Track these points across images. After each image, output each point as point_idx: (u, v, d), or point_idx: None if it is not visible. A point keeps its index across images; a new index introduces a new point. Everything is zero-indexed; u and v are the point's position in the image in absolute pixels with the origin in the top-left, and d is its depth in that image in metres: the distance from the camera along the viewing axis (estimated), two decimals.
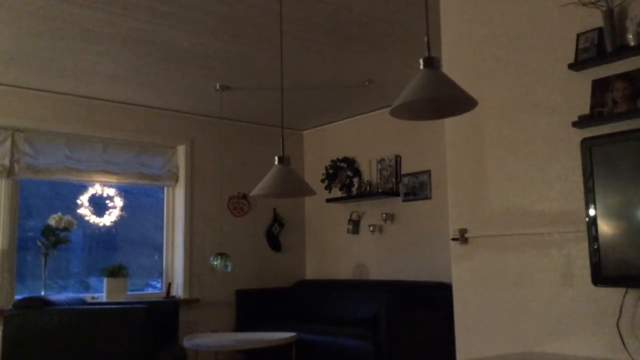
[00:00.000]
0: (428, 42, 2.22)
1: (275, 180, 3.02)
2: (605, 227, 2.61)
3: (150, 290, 6.00)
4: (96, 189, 5.65)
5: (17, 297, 4.84)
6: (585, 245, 2.72)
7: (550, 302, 2.94)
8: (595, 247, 2.63)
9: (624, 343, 2.59)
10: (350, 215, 6.22)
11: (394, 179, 5.82)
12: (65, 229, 5.05)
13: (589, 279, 2.66)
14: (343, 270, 6.32)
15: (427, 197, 5.51)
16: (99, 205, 5.67)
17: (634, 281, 2.53)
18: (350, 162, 6.28)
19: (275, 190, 2.99)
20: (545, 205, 3.00)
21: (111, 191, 5.73)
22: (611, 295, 2.66)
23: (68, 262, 5.64)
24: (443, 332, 3.90)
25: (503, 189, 3.21)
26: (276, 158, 3.15)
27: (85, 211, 5.56)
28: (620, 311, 2.62)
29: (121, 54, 4.43)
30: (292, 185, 3.03)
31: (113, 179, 5.73)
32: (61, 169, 5.42)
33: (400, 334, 4.77)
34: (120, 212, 5.75)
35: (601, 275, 2.60)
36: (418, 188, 5.60)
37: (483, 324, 3.24)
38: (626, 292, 2.62)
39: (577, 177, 2.77)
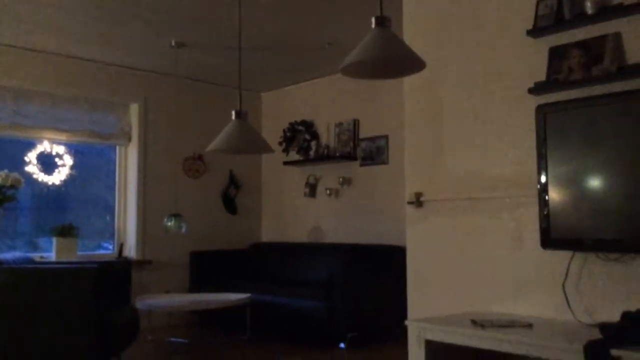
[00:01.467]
0: (381, 1, 2.20)
1: (233, 135, 2.96)
2: (555, 193, 2.68)
3: (102, 252, 5.90)
4: (45, 147, 5.46)
5: None
6: (535, 210, 2.79)
7: (501, 265, 3.02)
8: (545, 212, 2.70)
9: (569, 304, 2.69)
10: (307, 178, 6.22)
11: (351, 143, 5.83)
12: (12, 186, 4.87)
13: (538, 243, 2.74)
14: (299, 233, 6.34)
15: (384, 162, 5.54)
16: (47, 163, 5.48)
17: (580, 245, 2.62)
18: (308, 126, 6.25)
19: (232, 146, 2.93)
20: (499, 171, 3.06)
21: (60, 149, 5.54)
22: (558, 258, 2.75)
23: (16, 221, 5.47)
24: (396, 294, 3.98)
25: (459, 154, 3.24)
26: (233, 112, 3.08)
27: (33, 169, 5.38)
28: (567, 274, 2.72)
29: (71, 6, 4.23)
30: (249, 141, 2.98)
31: (62, 137, 5.54)
32: (7, 124, 5.21)
33: (353, 295, 4.84)
34: (70, 171, 5.58)
35: (550, 239, 2.68)
36: (375, 152, 5.62)
37: (435, 285, 3.31)
38: (573, 255, 2.71)
39: (531, 143, 2.82)
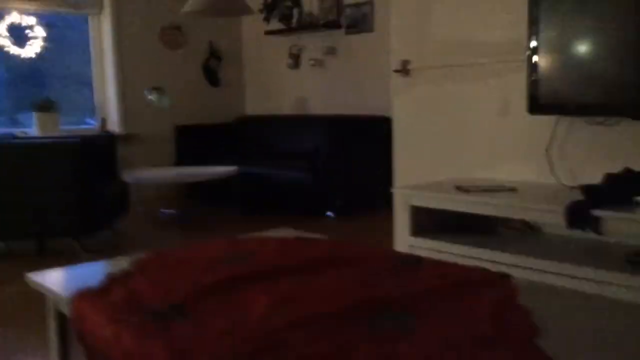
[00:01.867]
0: None
1: None
2: (543, 58, 2.64)
3: (85, 127, 5.82)
4: (14, 17, 5.18)
5: None
6: (523, 76, 2.75)
7: (487, 131, 3.03)
8: (534, 77, 2.67)
9: (552, 168, 2.75)
10: (290, 48, 6.04)
11: (335, 10, 5.59)
12: None
13: (524, 109, 2.73)
14: (284, 105, 6.27)
15: (370, 30, 5.36)
16: (19, 35, 5.23)
17: (566, 109, 2.62)
18: None
19: (209, 5, 2.77)
20: (488, 36, 2.97)
21: (31, 20, 5.27)
22: (544, 124, 2.76)
23: None
24: (382, 163, 4.02)
25: (447, 19, 3.13)
26: None
27: (4, 41, 5.14)
28: (551, 138, 2.74)
29: None
30: (227, 0, 2.81)
31: (32, 6, 5.24)
32: None
33: (339, 165, 4.91)
34: (44, 44, 5.34)
35: (537, 104, 2.67)
36: (360, 20, 5.42)
37: (421, 154, 3.34)
38: (557, 120, 2.72)
39: (522, 8, 2.72)
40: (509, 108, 2.93)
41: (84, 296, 1.54)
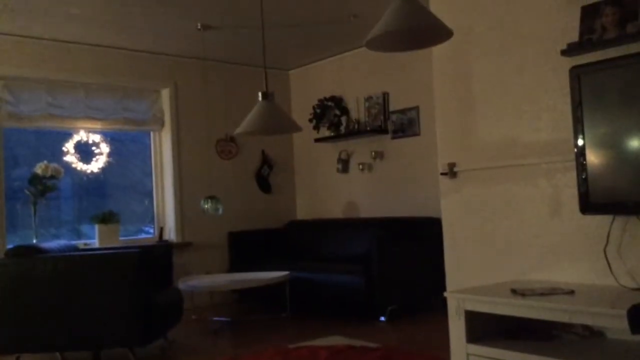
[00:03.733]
0: None
1: (260, 117, 2.97)
2: (593, 156, 2.62)
3: (143, 236, 6.03)
4: (81, 136, 5.58)
5: (9, 246, 4.84)
6: (573, 174, 2.74)
7: (539, 232, 2.98)
8: (584, 176, 2.64)
9: (611, 269, 2.65)
10: (339, 154, 6.21)
11: (382, 117, 5.78)
12: (53, 177, 5.01)
13: (576, 208, 2.69)
14: (333, 209, 6.36)
15: (416, 134, 5.49)
16: (85, 152, 5.61)
17: (620, 208, 2.56)
18: (337, 101, 6.22)
19: (259, 127, 2.94)
20: (533, 136, 3.00)
21: (97, 137, 5.65)
22: (598, 223, 2.70)
23: (58, 210, 5.63)
24: (433, 266, 3.97)
25: (491, 121, 3.19)
26: (259, 94, 3.08)
27: (71, 159, 5.51)
28: (608, 238, 2.67)
29: None
30: (277, 121, 2.98)
31: (97, 125, 5.64)
32: (44, 115, 5.33)
33: (390, 268, 4.85)
34: (108, 159, 5.70)
35: (589, 203, 2.62)
36: (407, 125, 5.57)
37: (472, 255, 3.29)
38: (613, 219, 2.65)
39: (566, 107, 2.76)
40: (561, 208, 2.89)
41: None
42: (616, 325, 2.17)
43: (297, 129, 3.15)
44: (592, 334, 2.63)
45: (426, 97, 5.22)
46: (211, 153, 6.20)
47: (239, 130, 3.02)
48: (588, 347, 2.49)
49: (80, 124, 5.55)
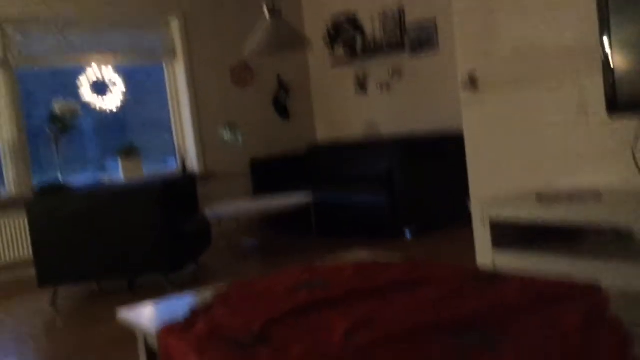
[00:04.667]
0: None
1: (267, 34, 2.84)
2: (620, 57, 2.52)
3: (166, 166, 6.09)
4: (96, 73, 5.54)
5: (36, 184, 4.94)
6: (599, 77, 2.64)
7: (565, 138, 2.91)
8: (611, 77, 2.55)
9: (639, 169, 2.60)
10: (356, 74, 6.09)
11: (398, 32, 5.61)
12: (71, 113, 5.02)
13: (603, 111, 2.61)
14: (353, 131, 6.31)
15: (435, 48, 5.33)
16: (102, 90, 5.58)
17: None
18: (352, 21, 6.03)
19: (268, 45, 2.82)
20: (557, 39, 2.88)
21: (112, 74, 5.61)
22: (625, 125, 2.63)
23: (82, 147, 5.70)
24: (457, 181, 3.95)
25: (513, 26, 3.06)
26: (265, 10, 2.90)
27: (89, 97, 5.50)
28: (637, 137, 2.60)
29: None
30: (284, 37, 2.85)
31: (110, 59, 5.59)
32: (56, 54, 5.29)
33: (413, 185, 4.86)
34: (124, 95, 5.67)
35: (617, 104, 2.54)
36: (424, 39, 5.40)
37: (496, 166, 3.25)
38: None
39: (592, 6, 2.62)
40: (587, 112, 2.81)
41: (170, 330, 1.60)
42: None
43: (308, 44, 3.03)
44: (620, 237, 2.62)
45: (443, 6, 5.01)
46: (226, 81, 6.13)
47: (246, 51, 2.92)
48: (616, 250, 2.48)
49: (92, 58, 5.50)
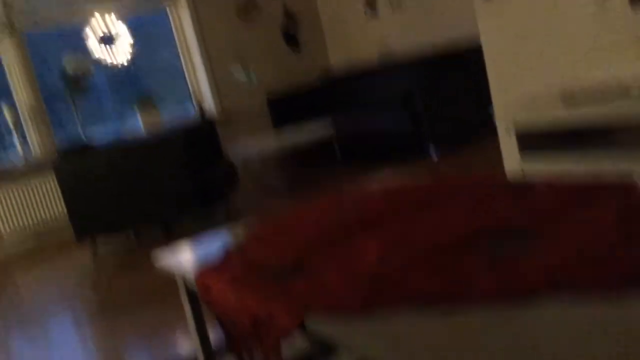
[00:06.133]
0: None
1: None
2: None
3: (184, 113, 6.08)
4: (101, 26, 5.45)
5: (58, 143, 4.99)
6: None
7: (586, 30, 2.79)
8: None
9: None
10: None
11: None
12: (83, 70, 5.00)
13: (626, 2, 2.48)
14: (368, 54, 6.16)
15: None
16: (109, 42, 5.51)
17: None
18: None
19: None
20: None
21: (117, 25, 5.52)
22: None
23: (98, 102, 5.71)
24: (476, 91, 3.85)
25: None
26: None
27: (98, 52, 5.44)
28: None
29: None
30: None
31: (113, 9, 5.48)
32: (59, 11, 5.22)
33: (434, 102, 4.77)
34: (133, 46, 5.59)
35: None
36: None
37: (516, 67, 3.15)
38: None
39: None
40: (609, 2, 2.67)
41: (207, 269, 1.62)
42: None
43: None
44: None
45: None
46: (233, 19, 5.99)
47: None
48: None
49: (96, 10, 5.40)
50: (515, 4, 3.04)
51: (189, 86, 6.06)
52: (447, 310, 1.06)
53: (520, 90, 3.13)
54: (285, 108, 6.07)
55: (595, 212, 1.29)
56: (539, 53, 3.01)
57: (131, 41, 5.57)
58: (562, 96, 2.55)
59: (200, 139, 4.70)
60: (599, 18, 2.72)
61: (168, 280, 2.06)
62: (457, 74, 4.86)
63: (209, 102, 5.97)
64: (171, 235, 4.20)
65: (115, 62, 5.54)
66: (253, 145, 5.14)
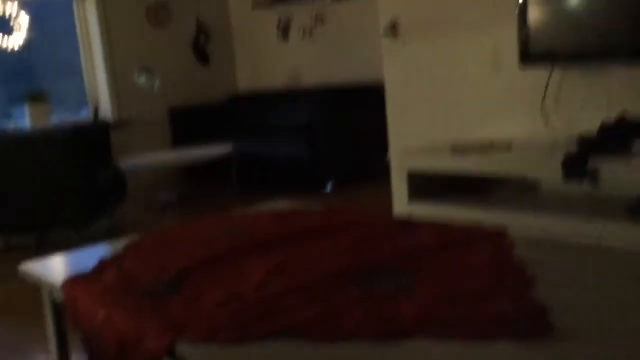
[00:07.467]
0: None
1: None
2: (533, 9, 2.58)
3: (79, 116, 5.77)
4: None
5: None
6: (514, 28, 2.69)
7: (480, 88, 2.98)
8: (524, 28, 2.62)
9: (548, 120, 2.70)
10: (279, 20, 5.94)
11: None
12: None
13: (516, 63, 2.68)
14: (275, 79, 6.20)
15: None
16: (3, 27, 5.16)
17: (559, 58, 2.57)
18: None
19: None
20: None
21: (14, 9, 5.17)
22: (537, 76, 2.71)
23: None
24: (377, 133, 3.98)
25: None
26: None
27: None
28: (546, 90, 2.69)
29: None
30: None
31: None
32: None
33: (334, 136, 4.86)
34: (30, 34, 5.26)
35: (529, 54, 2.62)
36: None
37: (415, 116, 3.30)
38: (551, 71, 2.66)
39: None
40: (501, 62, 2.87)
41: (76, 280, 1.52)
42: (551, 175, 2.24)
43: None
44: (527, 186, 2.73)
45: None
46: (141, 21, 5.81)
47: None
48: (524, 199, 2.59)
49: None
50: (419, 48, 3.20)
51: (86, 85, 5.77)
52: (318, 342, 1.06)
53: (415, 135, 3.27)
54: (187, 122, 5.94)
55: (469, 256, 1.36)
56: (436, 101, 3.17)
57: (27, 25, 5.23)
58: (452, 147, 2.69)
59: (90, 142, 4.47)
60: (492, 78, 2.91)
61: (34, 292, 1.91)
62: (361, 111, 4.98)
63: (106, 105, 5.71)
64: (46, 245, 3.92)
65: (6, 46, 5.17)
66: (148, 156, 4.96)
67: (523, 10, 2.60)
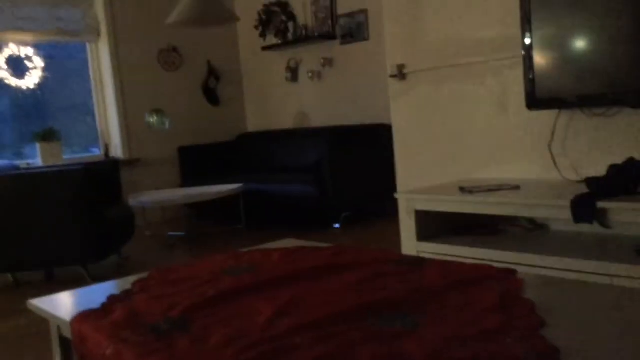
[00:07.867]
0: None
1: (192, 4, 2.78)
2: (539, 54, 2.62)
3: (90, 155, 5.85)
4: (12, 50, 5.23)
5: None
6: (520, 72, 2.73)
7: (486, 131, 3.01)
8: (530, 73, 2.65)
9: (555, 163, 2.72)
10: (288, 62, 6.06)
11: (330, 22, 5.61)
12: None
13: (523, 106, 2.71)
14: (284, 120, 6.28)
15: (365, 38, 5.37)
16: (18, 67, 5.28)
17: (565, 103, 2.60)
18: (283, 6, 5.98)
19: (193, 15, 2.76)
20: (481, 34, 2.96)
21: (29, 51, 5.31)
22: (544, 119, 2.74)
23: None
24: (385, 171, 4.00)
25: (440, 20, 3.12)
26: None
27: (3, 73, 5.19)
28: (553, 133, 2.72)
29: None
30: (210, 8, 2.79)
31: (29, 37, 5.29)
32: None
33: (343, 176, 4.89)
34: (44, 74, 5.39)
35: (535, 99, 2.65)
36: (355, 30, 5.44)
37: (422, 157, 3.32)
38: (558, 114, 2.69)
39: (514, 4, 2.71)
40: (508, 106, 2.91)
41: (85, 317, 1.52)
42: (560, 216, 2.24)
43: (234, 18, 2.98)
44: (536, 227, 2.73)
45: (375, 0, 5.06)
46: (154, 65, 5.94)
47: (169, 20, 2.84)
48: (533, 239, 2.59)
49: (10, 36, 5.19)
50: (426, 91, 3.24)
51: (98, 125, 5.86)
52: None
53: (423, 176, 3.29)
54: (196, 161, 6.01)
55: (479, 296, 1.35)
56: (444, 143, 3.20)
57: (42, 65, 5.36)
58: (460, 188, 2.71)
59: (100, 180, 4.51)
60: (499, 121, 2.95)
61: (42, 328, 1.91)
62: (369, 151, 5.04)
63: (117, 145, 5.80)
64: (55, 282, 3.93)
65: (20, 85, 5.29)
66: (157, 194, 5.00)
67: (528, 55, 2.64)
